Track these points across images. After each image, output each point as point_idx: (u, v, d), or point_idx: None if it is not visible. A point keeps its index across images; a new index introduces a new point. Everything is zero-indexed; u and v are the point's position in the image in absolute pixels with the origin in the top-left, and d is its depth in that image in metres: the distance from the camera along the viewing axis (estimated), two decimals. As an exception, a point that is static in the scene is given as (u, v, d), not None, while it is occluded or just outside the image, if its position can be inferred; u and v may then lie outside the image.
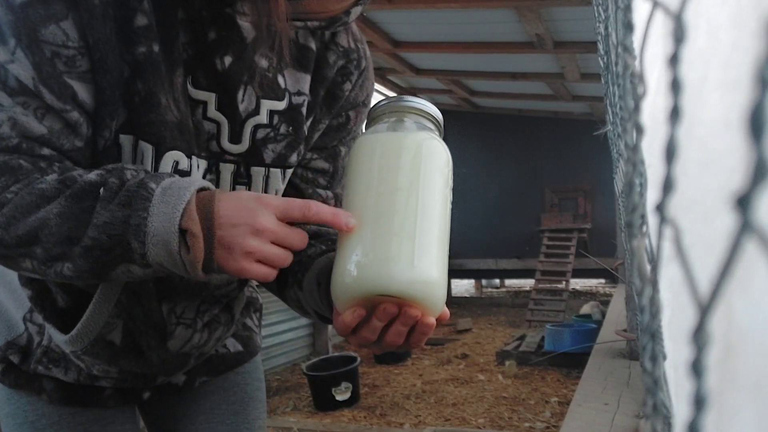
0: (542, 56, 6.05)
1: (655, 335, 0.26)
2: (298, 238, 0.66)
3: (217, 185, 0.79)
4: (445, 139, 0.68)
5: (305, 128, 0.84)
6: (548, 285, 8.13)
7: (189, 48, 0.73)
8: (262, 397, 1.08)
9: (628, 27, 0.30)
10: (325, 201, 0.89)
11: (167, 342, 0.86)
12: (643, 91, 0.26)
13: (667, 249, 0.24)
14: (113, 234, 0.62)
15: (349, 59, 0.86)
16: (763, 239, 0.14)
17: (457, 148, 9.16)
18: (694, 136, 0.48)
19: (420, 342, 0.65)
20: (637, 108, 0.26)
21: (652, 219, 0.35)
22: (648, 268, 0.25)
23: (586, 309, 6.41)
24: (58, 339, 0.83)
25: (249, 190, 0.80)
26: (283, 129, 0.81)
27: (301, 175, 0.88)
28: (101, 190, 0.64)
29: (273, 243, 0.64)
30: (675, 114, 0.20)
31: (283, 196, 0.84)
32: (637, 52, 0.30)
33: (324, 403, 4.31)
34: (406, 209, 0.61)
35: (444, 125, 0.72)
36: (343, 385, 4.31)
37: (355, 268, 0.60)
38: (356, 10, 0.79)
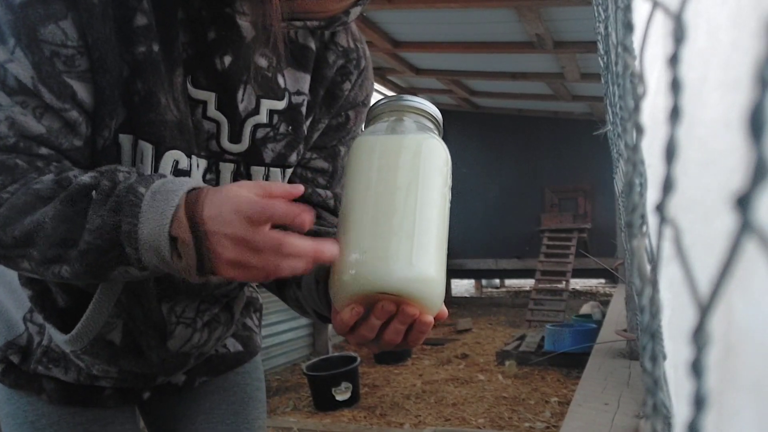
0: (542, 56, 6.05)
1: (655, 335, 0.26)
2: (276, 245, 0.60)
3: (217, 185, 0.79)
4: (444, 139, 0.68)
5: (305, 128, 0.84)
6: (548, 285, 8.14)
7: (189, 48, 0.73)
8: (262, 397, 1.08)
9: (628, 27, 0.30)
10: (324, 200, 0.89)
11: (167, 342, 0.86)
12: (643, 91, 0.26)
13: (667, 249, 0.24)
14: (107, 239, 0.62)
15: (349, 59, 0.86)
16: (763, 239, 0.14)
17: (457, 148, 9.16)
18: (694, 136, 0.48)
19: (418, 340, 0.65)
20: (637, 108, 0.26)
21: (652, 219, 0.35)
22: (648, 268, 0.25)
23: (585, 309, 6.41)
24: (58, 339, 0.83)
25: None
26: (282, 128, 0.81)
27: (300, 175, 0.88)
28: (93, 192, 0.63)
29: (255, 250, 0.61)
30: (675, 114, 0.20)
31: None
32: (637, 52, 0.30)
33: (324, 403, 4.31)
34: (405, 208, 0.61)
35: (443, 125, 0.72)
36: (343, 385, 4.31)
37: (354, 266, 0.60)
38: (356, 11, 0.79)
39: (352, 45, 0.87)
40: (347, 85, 0.87)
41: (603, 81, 1.08)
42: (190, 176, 0.74)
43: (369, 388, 4.84)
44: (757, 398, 0.34)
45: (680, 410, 0.53)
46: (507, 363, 5.31)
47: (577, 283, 11.29)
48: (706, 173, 0.45)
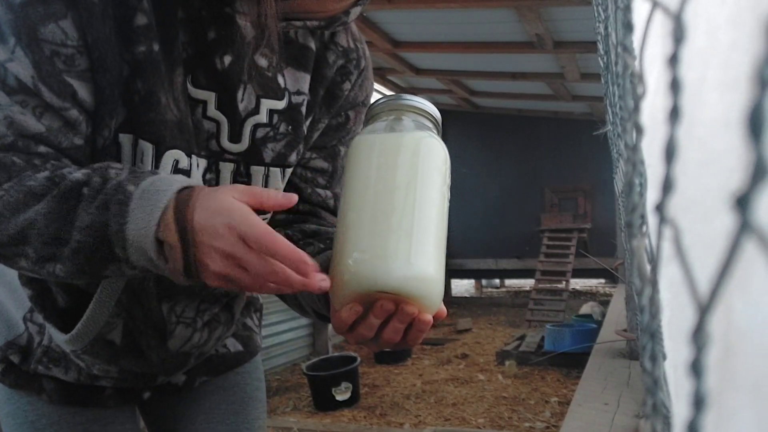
0: (542, 56, 6.04)
1: (654, 335, 0.26)
2: (264, 267, 0.60)
3: (217, 184, 0.79)
4: (444, 139, 0.68)
5: (305, 127, 0.84)
6: (548, 285, 8.13)
7: (189, 47, 0.73)
8: (262, 397, 1.08)
9: (628, 27, 0.30)
10: (324, 200, 0.89)
11: (167, 341, 0.86)
12: (643, 91, 0.26)
13: (667, 249, 0.24)
14: (96, 237, 0.62)
15: (349, 59, 0.86)
16: (762, 239, 0.14)
17: (457, 148, 9.17)
18: (694, 136, 0.48)
19: (417, 340, 0.65)
20: (636, 108, 0.26)
21: (651, 219, 0.35)
22: (648, 268, 0.25)
23: (585, 309, 6.41)
24: (59, 339, 0.83)
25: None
26: (282, 128, 0.81)
27: (300, 175, 0.89)
28: (84, 189, 0.63)
29: (244, 269, 0.61)
30: (674, 114, 0.20)
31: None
32: (636, 52, 0.30)
33: (324, 403, 4.31)
34: (404, 207, 0.61)
35: (442, 124, 0.72)
36: (343, 385, 4.31)
37: (353, 264, 0.60)
38: (356, 11, 0.79)
39: (352, 45, 0.87)
40: (347, 85, 0.87)
41: (603, 81, 1.08)
42: (190, 176, 0.74)
43: (369, 388, 4.83)
44: (756, 398, 0.34)
45: (680, 410, 0.53)
46: (507, 363, 5.31)
47: (577, 283, 11.29)
48: (705, 173, 0.45)
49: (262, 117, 0.79)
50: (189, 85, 0.74)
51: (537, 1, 4.54)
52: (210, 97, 0.75)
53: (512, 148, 9.81)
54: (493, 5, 4.73)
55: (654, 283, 0.26)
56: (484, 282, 12.22)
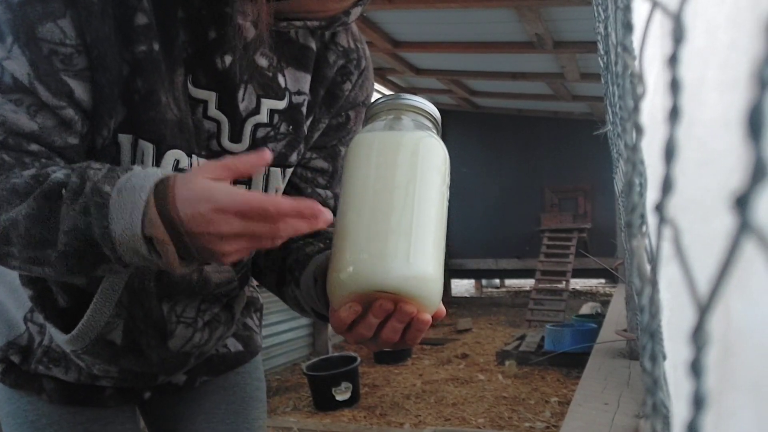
0: (542, 56, 6.04)
1: (654, 335, 0.26)
2: (267, 229, 0.60)
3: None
4: (444, 139, 0.68)
5: (305, 127, 0.84)
6: (548, 285, 8.13)
7: (189, 47, 0.73)
8: (262, 397, 1.08)
9: (628, 27, 0.30)
10: (324, 200, 0.89)
11: (168, 341, 0.86)
12: (643, 91, 0.26)
13: (667, 249, 0.24)
14: (83, 240, 0.61)
15: (349, 59, 0.86)
16: (762, 239, 0.14)
17: (457, 148, 9.16)
18: (693, 136, 0.48)
19: (416, 339, 0.65)
20: (636, 108, 0.26)
21: (651, 219, 0.35)
22: (648, 268, 0.25)
23: (585, 309, 6.41)
24: (59, 339, 0.83)
25: (249, 189, 0.80)
26: (283, 128, 0.81)
27: (300, 175, 0.89)
28: (62, 190, 0.62)
29: (253, 236, 0.61)
30: (674, 114, 0.20)
31: (283, 195, 0.84)
32: (636, 52, 0.30)
33: (324, 403, 4.31)
34: (403, 206, 0.61)
35: (442, 124, 0.72)
36: (343, 385, 4.31)
37: (352, 264, 0.60)
38: (356, 11, 0.79)
39: (352, 45, 0.87)
40: (347, 85, 0.87)
41: (603, 81, 1.08)
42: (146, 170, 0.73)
43: (369, 388, 4.83)
44: (755, 398, 0.35)
45: (679, 410, 0.53)
46: (507, 363, 5.31)
47: (577, 283, 11.28)
48: (705, 173, 0.45)
49: (263, 117, 0.79)
50: (189, 85, 0.74)
51: (537, 1, 4.54)
52: (210, 96, 0.75)
53: (512, 148, 9.81)
54: (493, 5, 4.73)
55: (654, 283, 0.26)
56: (484, 282, 12.21)
